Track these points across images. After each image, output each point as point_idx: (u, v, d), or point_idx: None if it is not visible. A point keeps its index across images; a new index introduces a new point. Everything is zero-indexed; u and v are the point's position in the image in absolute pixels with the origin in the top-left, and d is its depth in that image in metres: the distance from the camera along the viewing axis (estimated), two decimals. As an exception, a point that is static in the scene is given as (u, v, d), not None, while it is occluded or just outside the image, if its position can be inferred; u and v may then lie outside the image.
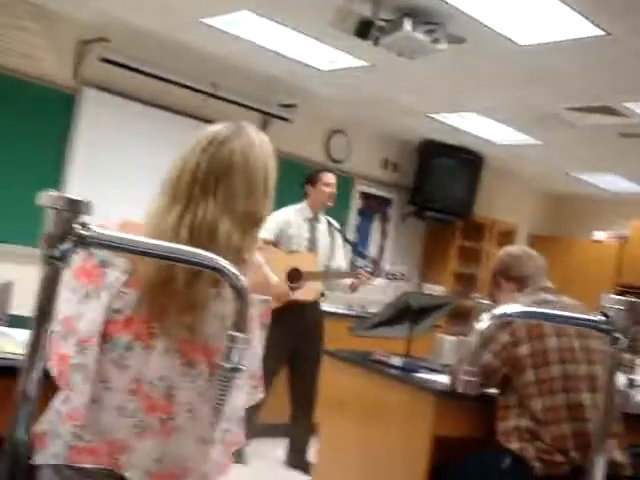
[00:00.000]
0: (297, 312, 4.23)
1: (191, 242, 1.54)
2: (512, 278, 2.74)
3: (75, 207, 0.77)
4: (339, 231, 4.58)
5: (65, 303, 1.52)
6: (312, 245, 4.39)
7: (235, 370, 0.83)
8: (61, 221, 0.77)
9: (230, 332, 0.84)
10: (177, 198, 1.60)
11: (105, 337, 1.52)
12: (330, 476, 3.17)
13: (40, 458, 1.57)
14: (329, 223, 4.50)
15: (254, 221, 1.68)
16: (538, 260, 2.78)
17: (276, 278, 1.81)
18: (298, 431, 4.39)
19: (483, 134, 6.26)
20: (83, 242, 0.78)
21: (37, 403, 0.80)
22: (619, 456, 2.41)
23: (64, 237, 0.77)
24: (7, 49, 4.47)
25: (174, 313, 1.54)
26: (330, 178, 4.40)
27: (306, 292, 4.29)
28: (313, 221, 4.42)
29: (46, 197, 0.76)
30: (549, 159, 6.80)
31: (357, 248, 5.00)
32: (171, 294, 1.54)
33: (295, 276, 4.28)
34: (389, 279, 4.53)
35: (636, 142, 5.59)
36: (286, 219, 4.31)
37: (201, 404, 1.57)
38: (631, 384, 3.51)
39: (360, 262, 5.83)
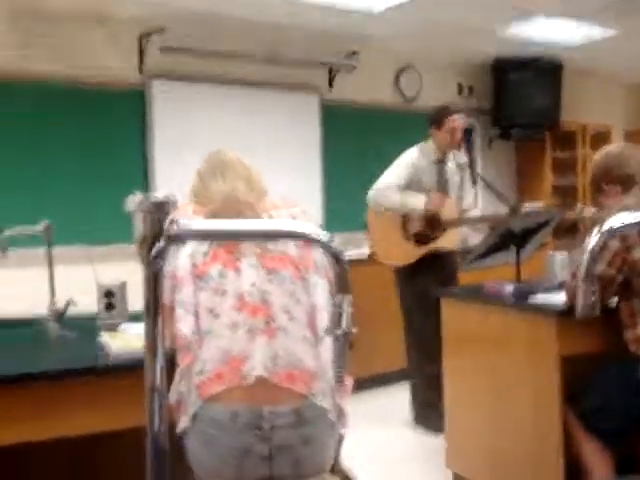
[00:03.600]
0: (438, 261, 4.08)
1: (225, 211, 1.88)
2: (615, 179, 2.58)
3: (162, 207, 0.79)
4: (469, 167, 4.24)
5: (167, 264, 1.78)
6: (442, 189, 4.08)
7: (347, 334, 0.83)
8: (151, 222, 0.79)
9: (336, 296, 0.85)
10: (198, 195, 2.00)
11: (203, 275, 1.77)
12: (462, 413, 3.17)
13: (183, 423, 1.69)
14: (457, 160, 4.18)
15: (258, 189, 2.00)
16: None
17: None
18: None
19: (556, 38, 5.94)
20: (176, 238, 0.80)
21: (166, 392, 0.83)
22: None
23: (157, 237, 0.79)
24: (75, 60, 4.61)
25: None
26: (456, 121, 4.01)
27: (447, 240, 4.11)
28: (441, 163, 4.09)
29: (133, 201, 0.78)
30: (630, 48, 6.38)
31: (489, 183, 4.36)
32: None
33: (433, 223, 4.07)
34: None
35: None
36: (414, 164, 4.01)
37: (294, 305, 1.77)
38: None
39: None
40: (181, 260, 1.79)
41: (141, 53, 4.85)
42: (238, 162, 2.04)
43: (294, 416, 1.66)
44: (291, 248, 1.84)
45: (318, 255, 1.85)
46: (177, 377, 1.74)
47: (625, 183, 2.56)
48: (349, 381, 1.85)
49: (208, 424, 1.66)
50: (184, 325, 1.73)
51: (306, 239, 0.85)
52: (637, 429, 2.57)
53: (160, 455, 0.84)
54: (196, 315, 1.74)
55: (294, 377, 1.68)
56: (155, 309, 0.84)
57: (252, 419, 1.64)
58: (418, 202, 3.95)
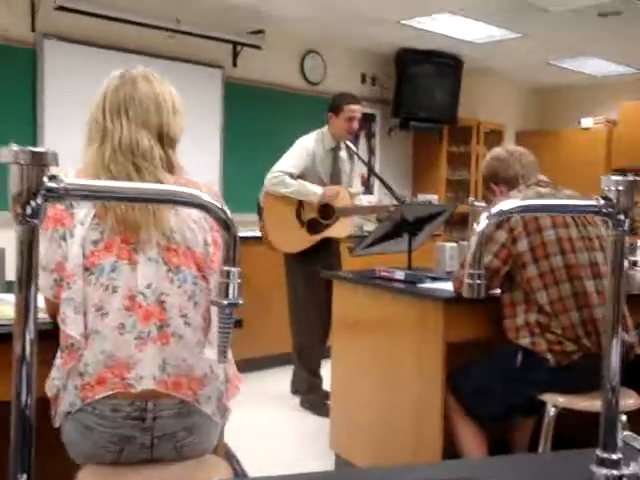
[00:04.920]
0: (328, 247, 4.17)
1: (117, 165, 1.64)
2: (501, 181, 2.73)
3: (41, 160, 0.73)
4: (357, 155, 4.33)
5: (50, 253, 1.61)
6: (335, 177, 4.15)
7: (233, 305, 0.80)
8: (28, 176, 0.73)
9: (224, 267, 0.82)
10: (95, 135, 1.69)
11: (91, 268, 1.60)
12: (347, 395, 3.21)
13: (59, 418, 1.60)
14: (347, 147, 4.23)
15: (169, 137, 1.73)
16: (525, 157, 2.74)
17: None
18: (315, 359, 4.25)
19: (459, 35, 6.10)
20: (55, 195, 0.74)
21: (35, 364, 0.78)
22: (627, 337, 2.45)
23: (34, 193, 0.73)
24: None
25: (149, 226, 1.62)
26: (354, 111, 4.04)
27: (339, 229, 4.17)
28: (336, 150, 4.15)
29: (7, 152, 0.71)
30: (529, 51, 6.66)
31: (376, 173, 4.60)
32: (142, 210, 1.61)
33: (327, 212, 4.10)
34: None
35: (616, 21, 5.45)
36: (311, 151, 4.04)
37: (192, 308, 1.65)
38: (634, 265, 3.53)
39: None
40: (71, 250, 1.60)
41: (33, 10, 4.59)
42: (153, 96, 1.71)
43: (178, 408, 1.61)
44: (198, 245, 1.67)
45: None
46: (56, 373, 1.61)
47: (509, 183, 2.71)
48: (238, 381, 1.78)
49: (87, 414, 1.58)
50: (72, 327, 1.58)
51: (197, 207, 0.81)
52: (512, 414, 2.69)
53: (26, 430, 0.79)
54: (84, 313, 1.59)
55: (181, 384, 1.61)
56: (28, 274, 0.78)
57: (134, 412, 1.58)
58: (313, 196, 4.00)
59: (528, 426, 2.87)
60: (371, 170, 4.73)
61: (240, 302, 0.81)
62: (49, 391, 1.62)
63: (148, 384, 1.57)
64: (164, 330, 1.60)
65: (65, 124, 4.65)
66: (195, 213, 1.68)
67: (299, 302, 4.18)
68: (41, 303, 1.65)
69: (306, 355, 4.20)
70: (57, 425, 1.63)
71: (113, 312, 1.58)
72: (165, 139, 1.72)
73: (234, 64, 5.74)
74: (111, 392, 1.56)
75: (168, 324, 1.61)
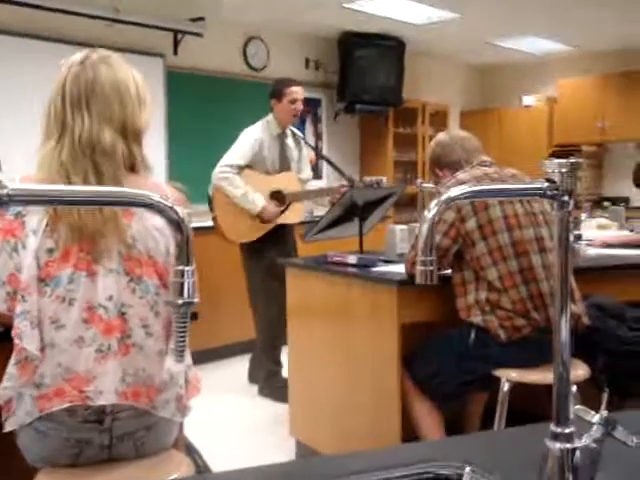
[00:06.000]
0: (284, 234, 4.18)
1: (75, 163, 1.55)
2: (445, 166, 2.80)
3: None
4: (304, 140, 4.39)
5: (1, 265, 1.54)
6: (284, 163, 4.17)
7: (189, 304, 0.80)
8: (-30, 184, 0.71)
9: (177, 267, 0.81)
10: (52, 128, 1.60)
11: (47, 278, 1.53)
12: (305, 381, 3.23)
13: (12, 423, 1.57)
14: (293, 134, 4.27)
15: (134, 131, 1.66)
16: (467, 141, 2.80)
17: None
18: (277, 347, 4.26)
19: (400, 17, 6.12)
20: (0, 201, 0.73)
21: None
22: (574, 307, 2.52)
23: (-23, 200, 0.72)
24: None
25: (107, 235, 1.55)
26: (296, 92, 4.08)
27: (292, 215, 4.19)
28: (282, 137, 4.17)
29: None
30: (468, 31, 6.73)
31: (324, 156, 4.67)
32: (97, 219, 1.54)
33: (277, 199, 4.11)
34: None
35: None
36: (258, 139, 4.05)
37: (153, 318, 1.60)
38: (578, 238, 3.63)
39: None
40: (25, 261, 1.52)
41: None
42: (116, 85, 1.62)
43: (135, 410, 1.59)
44: (161, 254, 1.61)
45: None
46: (8, 382, 1.55)
47: (452, 167, 2.78)
48: (197, 382, 1.75)
49: (43, 421, 1.54)
50: (29, 342, 1.51)
51: (146, 207, 0.80)
52: (467, 391, 2.75)
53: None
54: (39, 326, 1.52)
55: (139, 394, 1.57)
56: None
57: (92, 415, 1.56)
58: (254, 207, 4.00)
59: (481, 399, 2.93)
60: (318, 153, 4.74)
61: (195, 301, 0.80)
62: (0, 398, 1.57)
63: (110, 399, 1.53)
64: (125, 341, 1.56)
65: (3, 123, 4.52)
66: (159, 220, 1.61)
67: (258, 292, 4.16)
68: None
69: (270, 344, 4.19)
70: (7, 430, 1.59)
71: (70, 325, 1.53)
72: (129, 134, 1.64)
73: (175, 52, 5.66)
74: (69, 404, 1.53)
75: (129, 335, 1.56)
